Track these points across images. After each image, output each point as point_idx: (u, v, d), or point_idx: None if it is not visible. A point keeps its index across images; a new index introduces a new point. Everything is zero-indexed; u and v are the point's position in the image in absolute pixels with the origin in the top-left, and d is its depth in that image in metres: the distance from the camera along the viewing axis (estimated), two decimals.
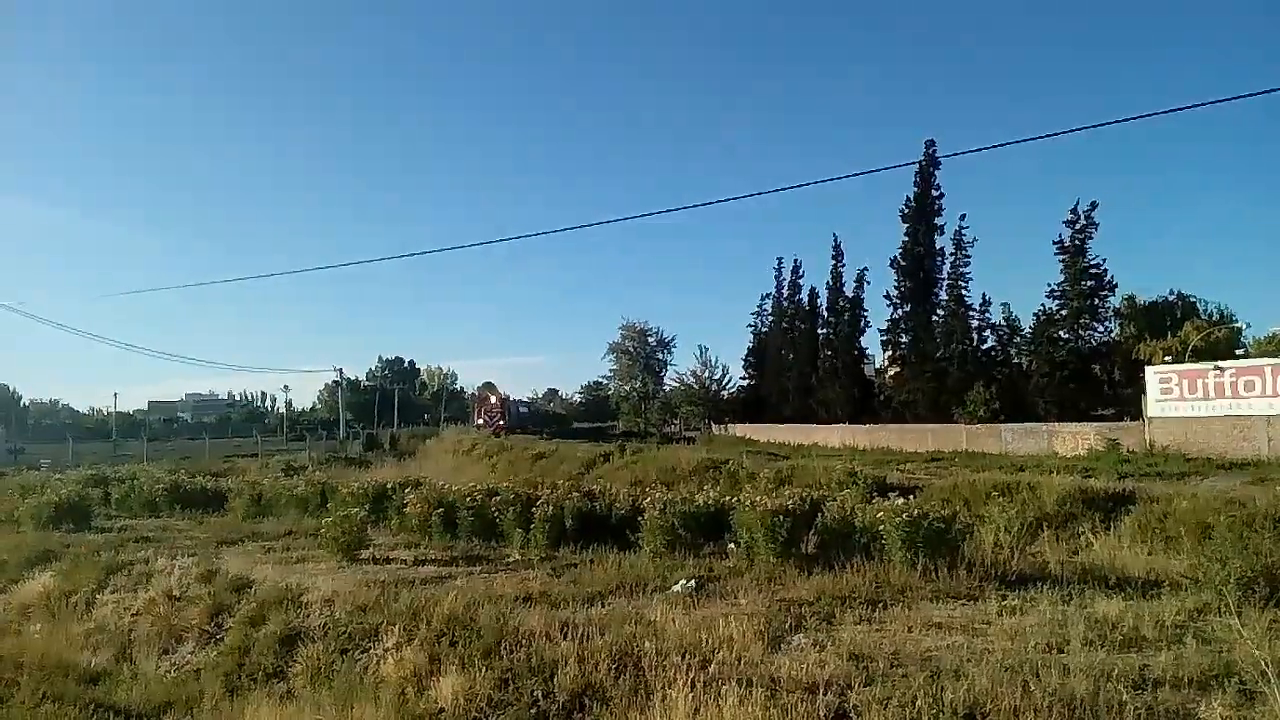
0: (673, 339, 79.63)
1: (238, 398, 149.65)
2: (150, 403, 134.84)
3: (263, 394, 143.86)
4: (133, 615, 11.74)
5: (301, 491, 18.47)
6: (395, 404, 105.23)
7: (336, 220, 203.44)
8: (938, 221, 52.32)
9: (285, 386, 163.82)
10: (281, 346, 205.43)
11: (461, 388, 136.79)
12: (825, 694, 5.92)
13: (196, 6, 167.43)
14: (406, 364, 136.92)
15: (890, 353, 57.47)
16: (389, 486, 16.27)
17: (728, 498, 12.37)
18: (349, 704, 7.64)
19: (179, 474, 23.41)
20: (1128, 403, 39.14)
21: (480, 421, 77.31)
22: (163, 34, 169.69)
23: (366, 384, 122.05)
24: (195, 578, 11.89)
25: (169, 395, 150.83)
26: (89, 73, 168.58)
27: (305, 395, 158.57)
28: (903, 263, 53.30)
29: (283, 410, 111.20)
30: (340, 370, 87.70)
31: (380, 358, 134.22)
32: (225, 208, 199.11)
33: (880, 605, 8.33)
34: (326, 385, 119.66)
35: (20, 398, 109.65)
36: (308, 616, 9.74)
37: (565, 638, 7.58)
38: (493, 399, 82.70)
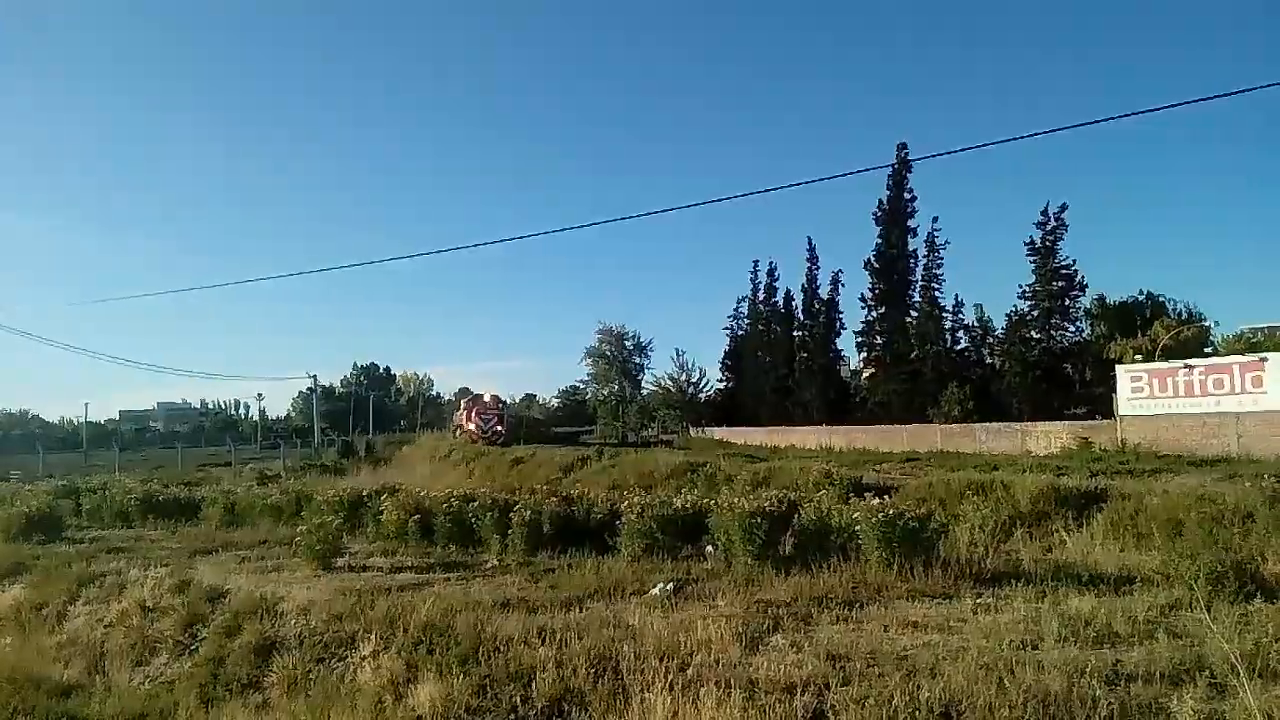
0: (650, 342, 79.67)
1: (210, 406, 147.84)
2: (121, 412, 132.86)
3: (236, 402, 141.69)
4: (105, 627, 11.60)
5: (276, 500, 18.32)
6: (370, 411, 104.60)
7: (311, 225, 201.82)
8: (910, 224, 52.89)
9: (259, 394, 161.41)
10: (255, 354, 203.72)
11: (438, 394, 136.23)
12: (802, 694, 5.95)
13: (176, 16, 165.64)
14: (382, 370, 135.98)
15: (865, 354, 57.96)
16: (365, 494, 16.15)
17: (705, 500, 12.39)
18: (326, 713, 7.59)
19: (151, 483, 23.08)
20: (1099, 401, 39.55)
21: (471, 427, 61.52)
22: (117, 44, 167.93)
23: (341, 391, 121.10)
24: (169, 588, 11.76)
25: (140, 404, 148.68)
26: (58, 77, 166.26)
27: (279, 403, 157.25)
28: (876, 265, 53.81)
29: (256, 418, 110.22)
30: (314, 377, 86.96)
31: (355, 364, 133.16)
32: (198, 213, 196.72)
33: (857, 605, 8.38)
34: (301, 392, 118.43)
35: None
36: (283, 626, 9.66)
37: (543, 643, 7.57)
38: (487, 398, 66.42)
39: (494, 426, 60.45)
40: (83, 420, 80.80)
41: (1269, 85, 11.72)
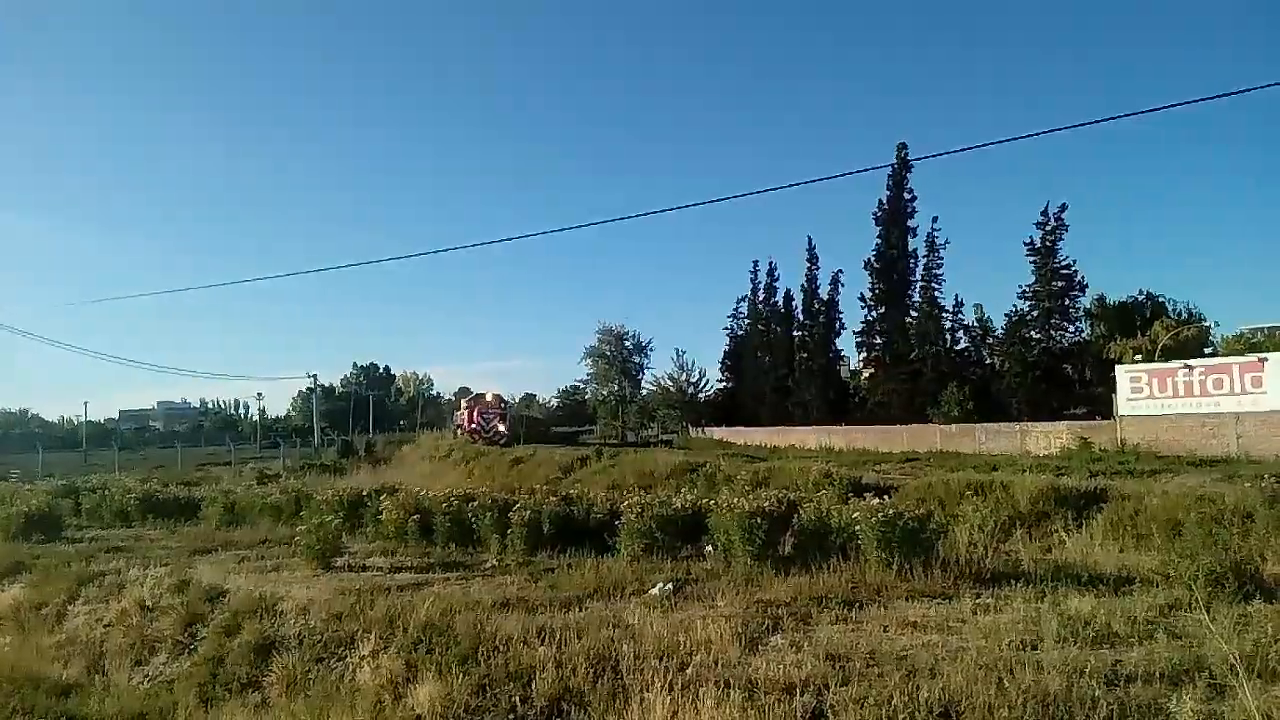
0: (650, 342, 79.37)
1: (210, 405, 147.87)
2: (121, 411, 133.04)
3: (236, 401, 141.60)
4: (105, 626, 11.60)
5: (276, 499, 18.31)
6: (370, 410, 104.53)
7: (311, 225, 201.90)
8: (910, 224, 52.93)
9: (259, 394, 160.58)
10: (255, 353, 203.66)
11: (438, 393, 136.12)
12: (802, 694, 5.94)
13: (176, 16, 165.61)
14: (382, 370, 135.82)
15: (865, 354, 58.01)
16: (364, 493, 16.14)
17: (705, 500, 12.39)
18: (325, 713, 7.59)
19: (151, 483, 23.08)
20: (1099, 401, 39.57)
21: (474, 427, 59.81)
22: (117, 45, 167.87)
23: (341, 390, 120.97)
24: (168, 588, 11.76)
25: (140, 404, 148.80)
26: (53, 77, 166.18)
27: (279, 402, 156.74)
28: (876, 265, 53.86)
29: (256, 418, 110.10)
30: (314, 376, 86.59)
31: (355, 364, 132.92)
32: (198, 213, 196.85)
33: (856, 605, 8.37)
34: (300, 392, 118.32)
35: None
36: (283, 625, 9.66)
37: (543, 643, 7.57)
38: (489, 397, 63.73)
39: (496, 426, 59.03)
40: (82, 419, 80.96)
41: (1269, 85, 11.72)
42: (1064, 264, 46.54)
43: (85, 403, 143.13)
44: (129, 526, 19.03)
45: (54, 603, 12.60)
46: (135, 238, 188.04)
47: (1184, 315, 51.23)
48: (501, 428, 59.18)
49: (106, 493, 21.07)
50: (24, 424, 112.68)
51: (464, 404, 67.48)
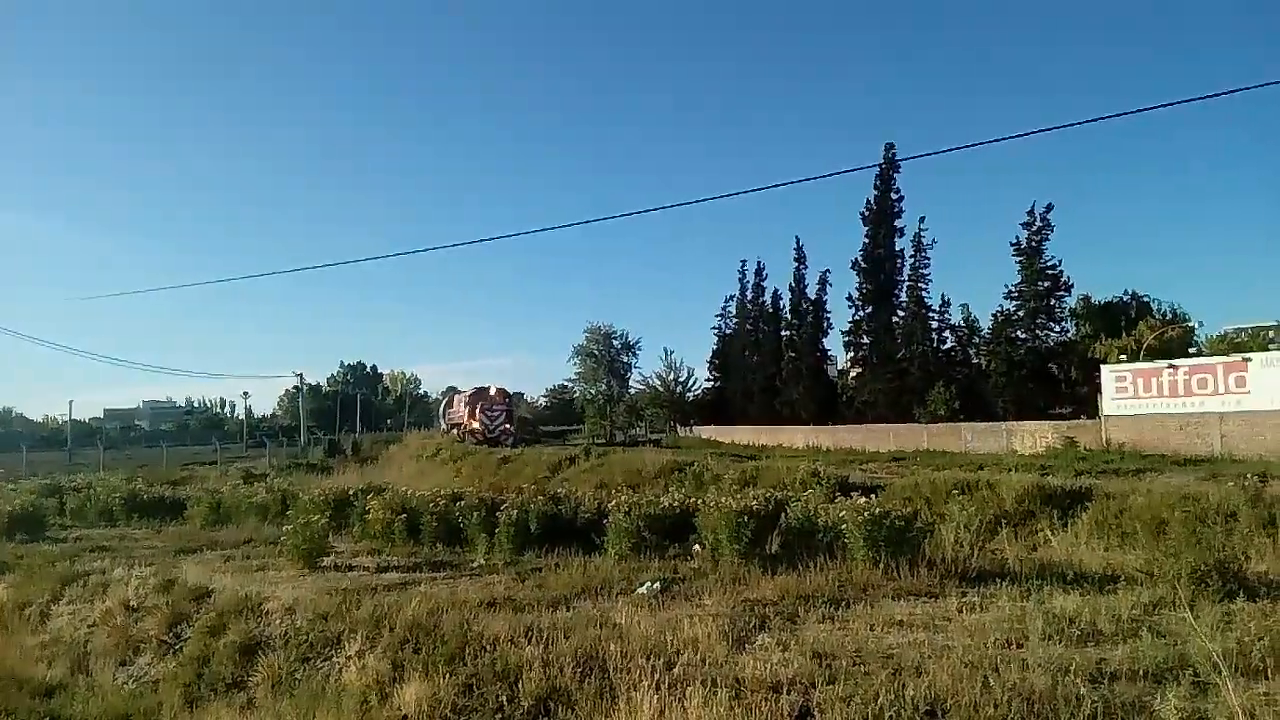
0: (638, 341, 79.11)
1: (196, 404, 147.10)
2: (106, 410, 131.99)
3: (222, 400, 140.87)
4: (89, 626, 11.54)
5: (261, 499, 18.23)
6: (357, 409, 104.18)
7: (311, 225, 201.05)
8: (898, 224, 53.15)
9: (245, 393, 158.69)
10: (242, 352, 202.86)
11: (425, 392, 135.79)
12: (789, 693, 5.94)
13: (176, 16, 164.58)
14: (369, 369, 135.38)
15: (852, 354, 58.15)
16: (351, 493, 16.08)
17: (693, 499, 12.40)
18: (311, 713, 7.56)
19: (136, 482, 22.91)
20: (1084, 401, 39.79)
21: (476, 425, 52.84)
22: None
23: (328, 389, 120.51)
24: (153, 588, 11.68)
25: (125, 402, 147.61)
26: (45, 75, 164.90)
27: (265, 401, 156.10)
28: (863, 265, 54.01)
29: (242, 417, 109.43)
30: (301, 375, 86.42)
31: (342, 363, 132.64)
32: (198, 213, 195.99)
33: (843, 604, 8.38)
34: (287, 391, 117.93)
35: None
36: (268, 625, 9.61)
37: (530, 642, 7.53)
38: (492, 391, 55.79)
39: (501, 425, 52.87)
40: (67, 418, 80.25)
41: (1254, 86, 11.82)
42: (1050, 264, 46.76)
43: (70, 401, 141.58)
44: (114, 526, 18.92)
45: (38, 603, 12.52)
46: (135, 238, 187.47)
47: (1168, 315, 51.47)
48: (508, 425, 53.28)
49: (91, 492, 20.96)
50: (8, 423, 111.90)
51: (463, 400, 59.96)
